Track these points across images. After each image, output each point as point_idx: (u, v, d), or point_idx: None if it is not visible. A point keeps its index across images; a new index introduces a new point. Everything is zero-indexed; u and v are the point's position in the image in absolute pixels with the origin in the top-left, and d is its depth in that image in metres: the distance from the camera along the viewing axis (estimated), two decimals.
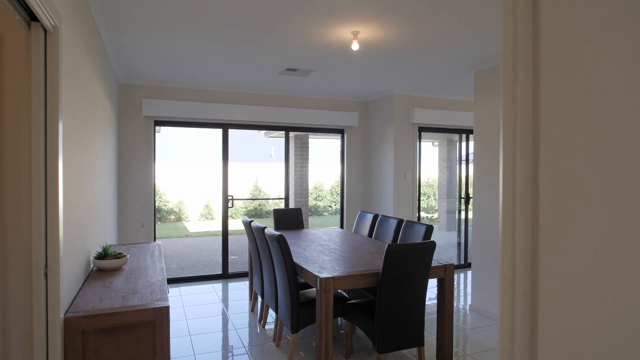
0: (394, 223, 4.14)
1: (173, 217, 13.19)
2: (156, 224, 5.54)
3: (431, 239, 3.13)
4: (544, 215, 0.69)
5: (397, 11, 2.88)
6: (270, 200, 13.34)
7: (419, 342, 2.98)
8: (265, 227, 3.51)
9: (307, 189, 9.06)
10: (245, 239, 8.24)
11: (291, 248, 3.60)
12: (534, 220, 0.72)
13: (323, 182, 14.89)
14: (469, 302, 4.82)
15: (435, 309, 4.37)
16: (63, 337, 1.84)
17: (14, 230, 1.71)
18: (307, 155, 8.93)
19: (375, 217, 4.56)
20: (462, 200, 6.39)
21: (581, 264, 0.65)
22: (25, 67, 1.69)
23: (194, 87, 5.41)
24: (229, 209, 5.79)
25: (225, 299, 4.89)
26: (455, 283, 5.39)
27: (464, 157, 6.44)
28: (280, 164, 6.35)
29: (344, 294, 3.71)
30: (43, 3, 1.56)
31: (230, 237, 5.91)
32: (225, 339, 3.76)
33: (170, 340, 3.62)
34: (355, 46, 3.33)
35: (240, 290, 5.22)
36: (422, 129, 5.94)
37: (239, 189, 13.62)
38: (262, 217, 12.99)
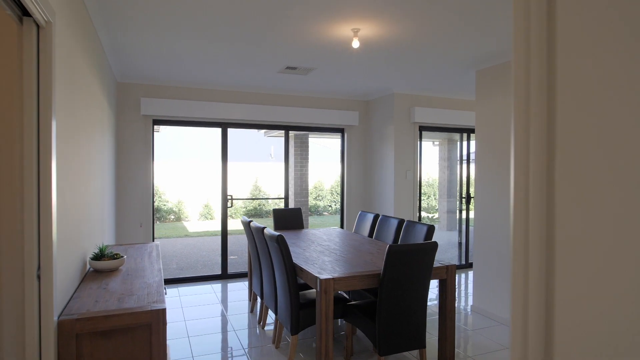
0: (394, 223, 4.10)
1: (172, 217, 13.14)
2: (155, 223, 5.49)
3: (432, 240, 3.08)
4: (561, 216, 0.64)
5: (398, 8, 2.83)
6: (270, 200, 13.30)
7: (420, 344, 2.93)
8: (265, 228, 3.46)
9: (307, 189, 9.02)
10: (245, 239, 8.19)
11: (291, 248, 3.56)
12: (549, 222, 0.67)
13: (323, 181, 14.85)
14: (470, 302, 4.78)
15: (435, 310, 4.33)
16: (57, 340, 1.80)
17: (6, 231, 1.67)
18: (307, 154, 8.89)
19: (376, 217, 4.51)
20: (463, 200, 6.34)
21: (605, 268, 0.61)
22: (17, 64, 1.65)
23: (193, 86, 5.37)
24: (229, 209, 5.75)
25: (224, 300, 4.85)
26: (456, 283, 5.35)
27: (464, 157, 6.40)
28: (280, 163, 6.30)
29: (345, 295, 3.66)
30: None
31: (230, 237, 5.87)
32: (224, 340, 3.71)
33: (169, 341, 3.59)
34: (355, 44, 3.29)
35: (239, 290, 5.18)
36: (423, 128, 5.90)
37: (239, 189, 13.58)
38: (262, 217, 12.95)
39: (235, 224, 10.43)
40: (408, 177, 5.73)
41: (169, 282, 5.45)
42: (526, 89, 0.70)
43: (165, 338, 2.00)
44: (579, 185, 0.63)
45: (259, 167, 14.62)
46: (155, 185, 5.47)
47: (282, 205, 6.35)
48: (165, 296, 2.66)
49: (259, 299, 4.38)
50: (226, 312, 4.40)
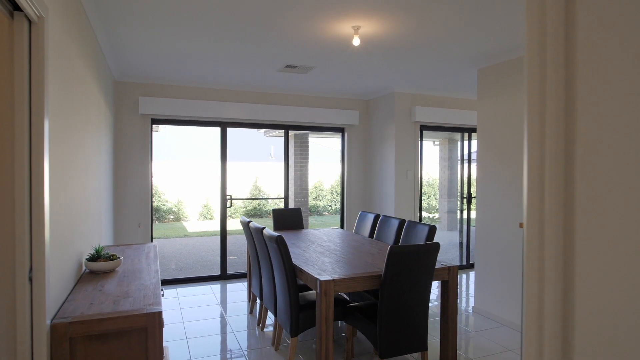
0: (395, 223, 4.05)
1: (172, 216, 13.09)
2: (154, 224, 5.44)
3: (434, 240, 3.04)
4: (581, 214, 0.60)
5: (399, 5, 2.78)
6: (269, 200, 13.25)
7: (422, 346, 2.89)
8: (264, 228, 3.42)
9: (306, 189, 8.97)
10: (244, 239, 8.14)
11: (290, 249, 3.51)
12: (566, 221, 0.62)
13: (323, 181, 14.80)
14: (471, 303, 4.73)
15: (436, 311, 4.28)
16: (49, 344, 1.75)
17: None
18: (306, 154, 8.84)
19: (377, 217, 4.46)
20: (464, 199, 6.30)
21: (634, 270, 0.56)
22: (7, 60, 1.60)
23: (192, 85, 5.32)
24: (228, 209, 5.70)
25: (223, 301, 4.80)
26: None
27: (465, 156, 6.35)
28: (280, 163, 6.25)
29: (345, 296, 3.61)
30: None
31: (229, 237, 5.82)
32: (223, 342, 3.67)
33: (167, 343, 3.54)
34: (356, 41, 3.24)
35: (238, 291, 5.13)
36: (424, 128, 5.85)
37: (239, 189, 13.54)
38: (262, 217, 12.91)
39: (234, 224, 10.39)
40: (409, 177, 5.68)
41: (168, 282, 5.41)
42: (541, 82, 0.66)
43: (161, 342, 1.96)
44: (602, 183, 0.58)
45: (258, 167, 14.58)
46: (154, 185, 5.42)
47: (281, 205, 6.30)
48: (163, 298, 2.61)
49: (258, 300, 4.34)
50: (225, 313, 4.36)
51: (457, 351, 3.39)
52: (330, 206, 14.69)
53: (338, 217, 7.88)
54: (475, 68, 4.41)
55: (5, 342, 1.61)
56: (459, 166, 6.52)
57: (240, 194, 13.56)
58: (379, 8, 2.84)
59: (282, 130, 6.08)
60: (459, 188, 6.61)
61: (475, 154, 4.57)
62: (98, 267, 2.59)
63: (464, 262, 6.30)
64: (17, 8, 1.57)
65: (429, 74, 4.74)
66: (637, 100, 0.54)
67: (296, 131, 7.42)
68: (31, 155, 1.67)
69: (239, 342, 3.62)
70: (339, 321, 3.97)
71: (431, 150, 10.44)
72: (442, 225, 9.81)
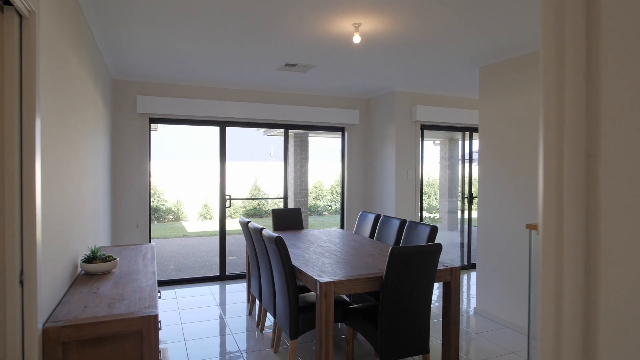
0: (396, 224, 4.00)
1: (171, 216, 13.04)
2: (152, 224, 5.39)
3: (435, 241, 2.99)
4: (606, 214, 0.54)
5: (400, 1, 2.73)
6: (269, 200, 13.20)
7: (424, 349, 2.83)
8: (263, 229, 3.37)
9: (306, 188, 8.92)
10: (244, 239, 8.09)
11: (290, 250, 3.46)
12: (588, 222, 0.57)
13: (323, 181, 14.74)
14: (473, 304, 4.68)
15: (437, 312, 4.23)
16: (41, 349, 1.70)
17: None
18: (306, 154, 8.79)
19: (377, 217, 4.41)
20: (465, 199, 6.24)
21: None
22: None
23: (190, 84, 5.27)
24: (228, 209, 5.65)
25: (222, 302, 4.75)
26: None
27: (467, 156, 6.29)
28: (279, 163, 6.20)
29: (345, 298, 3.56)
30: None
31: (229, 237, 5.77)
32: (222, 344, 3.62)
33: (165, 345, 3.49)
34: (356, 39, 3.19)
35: (238, 292, 5.08)
36: (425, 127, 5.80)
37: (238, 189, 13.49)
38: (262, 217, 12.85)
39: (234, 224, 10.34)
40: (409, 177, 5.63)
41: (166, 283, 5.36)
42: (559, 68, 0.60)
43: (157, 346, 1.91)
44: (631, 182, 0.53)
45: (258, 167, 14.54)
46: (153, 184, 5.37)
47: (281, 205, 6.25)
48: (159, 299, 2.56)
49: (257, 302, 4.29)
50: (224, 314, 4.31)
51: (459, 353, 3.34)
52: (330, 206, 14.64)
53: (338, 217, 7.84)
54: (476, 66, 4.36)
55: None
56: (460, 166, 6.47)
57: (239, 193, 13.51)
58: (380, 5, 2.79)
59: (282, 130, 6.03)
60: (459, 188, 6.56)
61: (477, 153, 4.52)
62: (93, 268, 2.54)
63: (465, 263, 6.25)
64: (7, 2, 1.52)
65: (430, 72, 4.69)
66: None
67: (296, 130, 7.37)
68: (22, 154, 1.61)
69: (237, 344, 3.57)
70: (339, 323, 3.92)
71: (431, 150, 10.39)
72: (442, 225, 9.76)
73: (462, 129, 6.14)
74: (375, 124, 6.06)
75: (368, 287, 2.77)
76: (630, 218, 0.52)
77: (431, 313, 4.07)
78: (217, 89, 5.41)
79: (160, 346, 3.49)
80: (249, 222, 3.80)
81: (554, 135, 0.62)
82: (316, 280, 2.68)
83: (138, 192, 5.10)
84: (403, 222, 3.94)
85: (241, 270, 6.14)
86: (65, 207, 2.31)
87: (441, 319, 3.17)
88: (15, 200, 1.58)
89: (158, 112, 5.07)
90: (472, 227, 6.05)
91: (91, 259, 2.61)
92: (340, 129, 6.27)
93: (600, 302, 0.56)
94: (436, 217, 10.82)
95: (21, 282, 1.61)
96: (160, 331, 2.88)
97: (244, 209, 13.00)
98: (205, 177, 12.24)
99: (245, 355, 3.37)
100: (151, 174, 5.27)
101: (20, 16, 1.61)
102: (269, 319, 4.07)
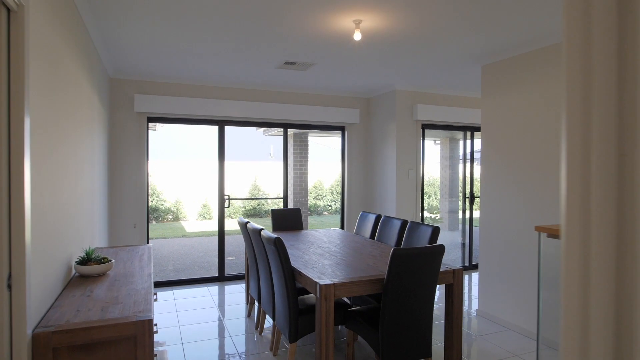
0: (397, 224, 3.93)
1: (170, 216, 12.98)
2: (151, 224, 5.33)
3: (437, 242, 2.93)
4: None
5: None
6: (269, 200, 13.14)
7: (426, 352, 2.77)
8: (262, 229, 3.31)
9: (306, 188, 8.86)
10: (243, 240, 8.03)
11: (289, 250, 3.40)
12: (619, 228, 0.51)
13: (323, 181, 14.68)
14: (474, 306, 4.62)
15: (438, 314, 4.17)
16: (31, 355, 1.64)
17: None
18: (306, 153, 8.72)
19: (378, 217, 4.35)
20: (466, 199, 6.18)
21: None
22: None
23: (189, 82, 5.20)
24: (227, 209, 5.59)
25: (221, 304, 4.69)
26: None
27: (468, 155, 6.23)
28: (279, 162, 6.14)
29: (346, 300, 3.51)
30: None
31: (228, 238, 5.71)
32: (220, 347, 3.56)
33: (163, 348, 3.43)
34: (357, 36, 3.13)
35: (236, 293, 5.02)
36: (426, 126, 5.73)
37: (238, 188, 13.43)
38: (261, 217, 12.79)
39: (233, 224, 10.27)
40: (410, 176, 5.57)
41: (164, 284, 5.30)
42: (585, 67, 0.54)
43: (152, 351, 1.85)
44: None
45: (258, 167, 14.48)
46: (152, 184, 5.31)
47: (280, 205, 6.19)
48: (156, 301, 2.50)
49: (256, 303, 4.23)
50: (223, 316, 4.25)
51: (462, 356, 3.28)
52: (330, 206, 14.57)
53: (338, 216, 7.78)
54: (479, 65, 4.30)
55: None
56: (461, 165, 6.40)
57: (239, 193, 13.46)
58: (381, 1, 2.73)
59: (282, 129, 5.97)
60: (460, 188, 6.50)
61: (478, 152, 4.46)
62: (88, 270, 2.48)
63: (467, 263, 6.19)
64: None
65: (431, 71, 4.63)
66: None
67: (295, 130, 7.30)
68: (10, 154, 1.55)
69: (236, 347, 3.51)
70: (339, 325, 3.87)
71: (432, 150, 10.33)
72: (443, 225, 9.70)
73: (463, 128, 6.08)
74: (375, 123, 6.00)
75: (369, 290, 2.71)
76: None
77: (433, 315, 4.01)
78: (216, 88, 5.35)
79: (157, 349, 3.43)
80: (248, 222, 3.74)
81: (579, 131, 0.56)
82: (316, 282, 2.62)
83: (136, 191, 5.04)
84: (404, 223, 3.88)
85: (240, 271, 6.08)
86: (59, 208, 2.25)
87: (443, 321, 3.11)
88: (2, 202, 1.52)
89: (156, 111, 5.01)
90: (474, 227, 5.99)
91: (85, 260, 2.55)
92: (340, 128, 6.20)
93: (636, 314, 0.50)
94: (437, 217, 10.76)
95: (9, 286, 1.55)
96: (157, 334, 2.82)
97: (243, 209, 12.94)
98: (204, 176, 12.18)
99: (244, 358, 3.31)
100: (149, 174, 5.21)
101: (8, 10, 1.55)
102: (268, 321, 4.01)
